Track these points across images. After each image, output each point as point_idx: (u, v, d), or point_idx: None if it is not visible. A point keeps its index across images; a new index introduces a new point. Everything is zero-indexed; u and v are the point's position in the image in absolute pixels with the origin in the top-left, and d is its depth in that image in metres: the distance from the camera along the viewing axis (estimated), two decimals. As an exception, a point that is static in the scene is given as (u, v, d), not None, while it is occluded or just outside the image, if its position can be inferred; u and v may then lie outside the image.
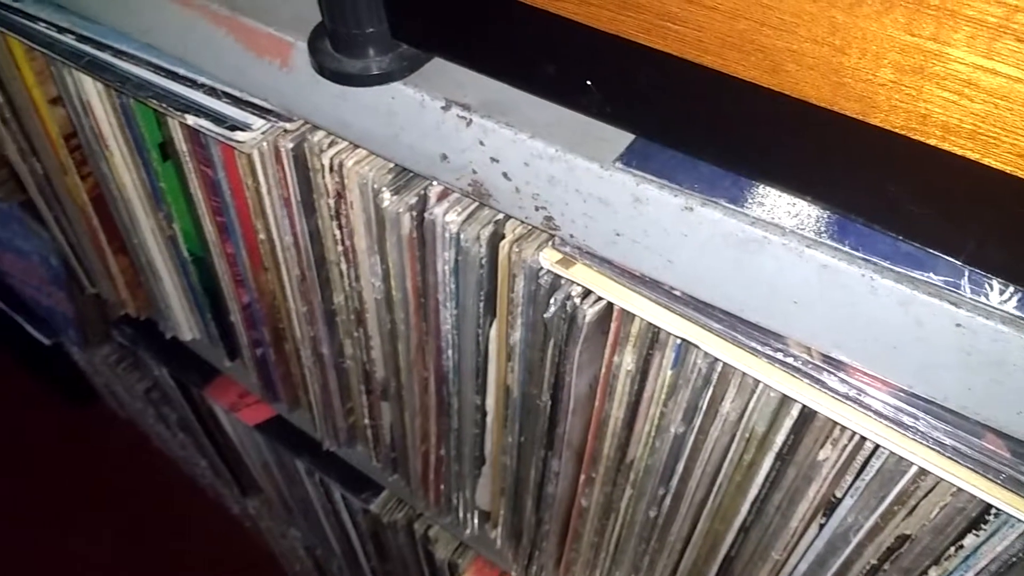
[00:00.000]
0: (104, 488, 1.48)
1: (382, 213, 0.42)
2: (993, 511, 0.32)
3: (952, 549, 0.34)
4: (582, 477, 0.50)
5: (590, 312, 0.37)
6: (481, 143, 0.34)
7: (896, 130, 0.22)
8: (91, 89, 0.54)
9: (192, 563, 1.40)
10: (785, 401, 0.36)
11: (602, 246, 0.34)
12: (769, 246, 0.29)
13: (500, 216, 0.40)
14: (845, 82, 0.22)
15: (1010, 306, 0.26)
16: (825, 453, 0.36)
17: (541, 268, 0.38)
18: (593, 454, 0.47)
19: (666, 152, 0.30)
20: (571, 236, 0.34)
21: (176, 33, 0.43)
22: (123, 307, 0.82)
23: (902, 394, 0.30)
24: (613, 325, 0.38)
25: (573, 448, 0.48)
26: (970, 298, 0.26)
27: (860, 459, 0.35)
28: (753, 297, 0.31)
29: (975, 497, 0.30)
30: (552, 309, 0.38)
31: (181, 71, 0.44)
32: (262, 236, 0.52)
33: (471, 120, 0.34)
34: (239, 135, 0.42)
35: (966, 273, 0.27)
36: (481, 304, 0.43)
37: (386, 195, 0.41)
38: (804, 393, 0.32)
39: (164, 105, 0.44)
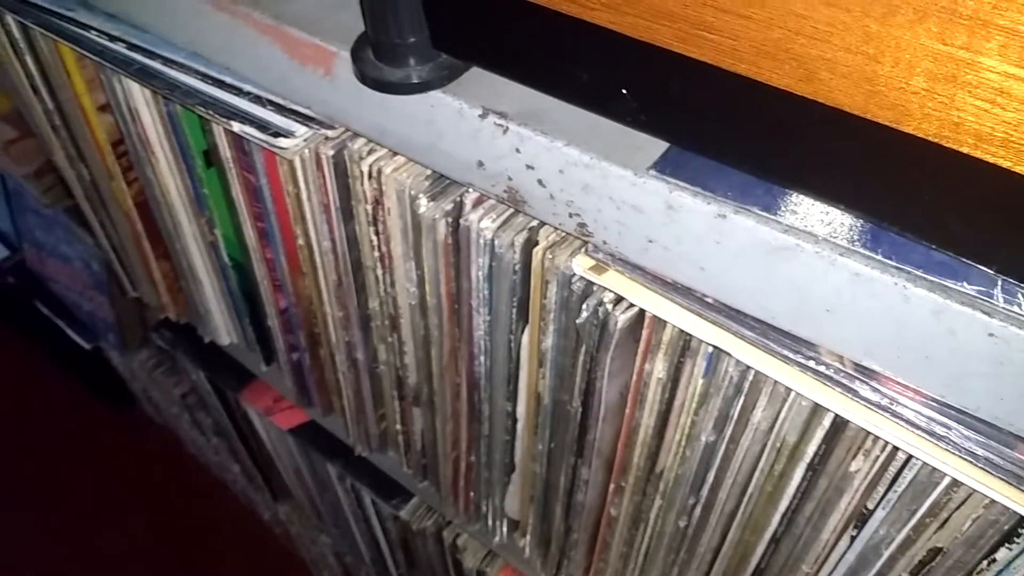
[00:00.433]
0: (138, 492, 1.50)
1: (418, 219, 0.43)
2: (1027, 525, 0.32)
3: (985, 563, 0.34)
4: (611, 486, 0.50)
5: (622, 319, 0.38)
6: (517, 151, 0.35)
7: (929, 138, 0.23)
8: (139, 96, 0.55)
9: (223, 569, 1.42)
10: (817, 411, 0.36)
11: (635, 253, 0.34)
12: (802, 254, 0.29)
13: (534, 223, 0.40)
14: (878, 90, 0.23)
15: (1044, 316, 0.26)
16: (857, 464, 0.36)
17: (574, 274, 0.38)
18: (623, 463, 0.48)
19: (699, 160, 0.31)
20: (604, 243, 0.35)
21: (223, 42, 0.44)
22: (163, 311, 0.84)
23: (934, 404, 0.30)
24: (645, 332, 0.39)
25: (603, 456, 0.48)
26: (1003, 308, 0.26)
27: (892, 470, 0.35)
28: (785, 305, 0.31)
29: (1008, 509, 0.30)
30: (584, 315, 0.39)
31: (227, 79, 0.46)
32: (301, 241, 0.54)
33: (508, 128, 0.34)
34: (282, 141, 0.43)
35: (999, 282, 0.27)
36: (514, 310, 0.44)
37: (423, 201, 0.42)
38: (836, 402, 0.32)
39: (211, 112, 0.45)
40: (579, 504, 0.53)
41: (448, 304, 0.48)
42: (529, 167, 0.35)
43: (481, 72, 0.36)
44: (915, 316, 0.28)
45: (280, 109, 0.44)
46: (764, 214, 0.30)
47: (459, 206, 0.42)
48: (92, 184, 0.73)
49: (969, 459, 0.30)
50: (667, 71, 0.27)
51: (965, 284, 0.27)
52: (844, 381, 0.32)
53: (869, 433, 0.35)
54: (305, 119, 0.44)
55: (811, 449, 0.37)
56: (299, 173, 0.47)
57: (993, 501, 0.31)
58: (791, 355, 0.33)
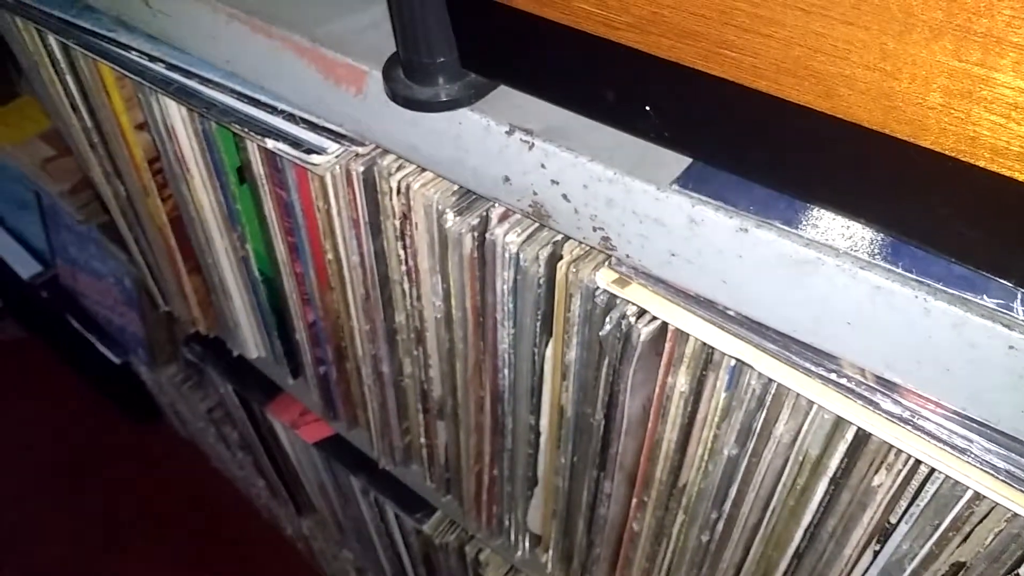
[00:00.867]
0: (162, 506, 1.52)
1: (445, 233, 0.44)
2: (1051, 540, 0.32)
3: (1009, 578, 0.34)
4: (634, 501, 0.51)
5: (644, 331, 0.38)
6: (542, 166, 0.36)
7: (946, 152, 0.23)
8: (176, 115, 0.57)
9: (245, 582, 1.43)
10: (839, 424, 0.36)
11: (657, 266, 0.35)
12: (823, 267, 0.30)
13: (558, 237, 0.41)
14: (896, 106, 0.23)
15: (1064, 328, 0.26)
16: (880, 478, 0.37)
17: (597, 288, 0.39)
18: (645, 477, 0.48)
19: (722, 175, 0.32)
20: (627, 256, 0.36)
21: (260, 62, 0.45)
22: (194, 325, 0.86)
23: (956, 416, 0.31)
24: (667, 345, 0.39)
25: (625, 470, 0.49)
26: (1023, 320, 0.27)
27: (915, 484, 0.35)
28: (807, 318, 0.32)
29: (1031, 522, 0.30)
30: (607, 327, 0.40)
31: (262, 98, 0.47)
32: (330, 256, 0.55)
33: (533, 144, 0.35)
34: (314, 158, 0.44)
35: (1019, 295, 0.27)
36: (538, 323, 0.45)
37: (449, 216, 0.43)
38: (858, 415, 0.33)
39: (246, 130, 0.47)
40: (601, 519, 0.54)
41: (473, 317, 0.48)
42: (554, 182, 0.36)
43: (508, 90, 0.37)
44: (935, 329, 0.28)
45: (312, 127, 0.46)
46: (786, 228, 0.30)
47: (485, 221, 0.43)
48: (128, 200, 0.75)
49: (991, 472, 0.30)
50: (690, 88, 0.28)
51: (985, 297, 0.27)
52: (866, 394, 0.32)
53: (891, 447, 0.35)
54: (337, 136, 0.45)
55: (834, 463, 0.38)
56: (330, 189, 0.48)
57: (1016, 514, 0.31)
58: (813, 368, 0.33)
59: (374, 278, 0.53)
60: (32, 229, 1.48)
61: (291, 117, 0.46)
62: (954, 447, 0.31)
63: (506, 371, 0.50)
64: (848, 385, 0.32)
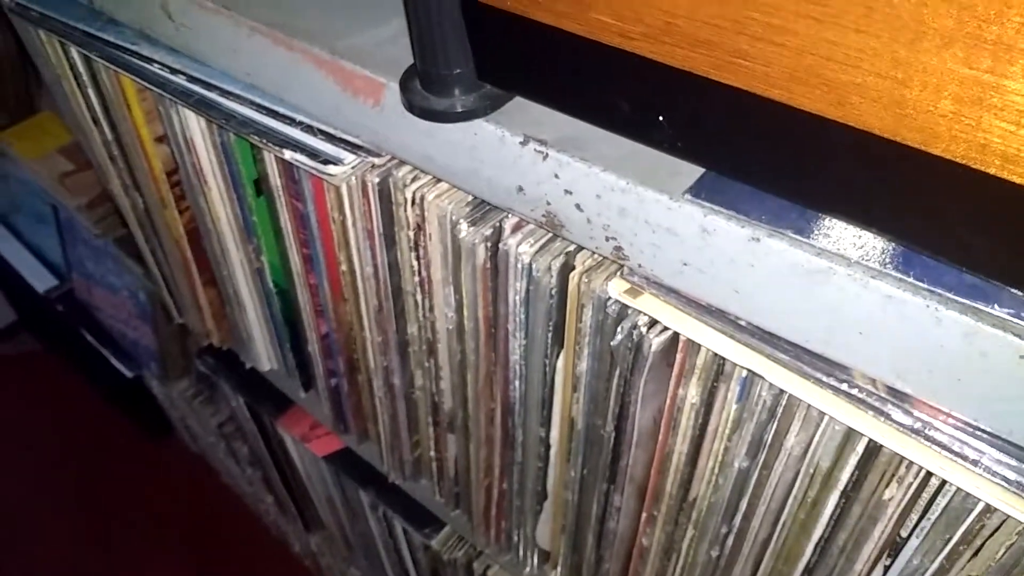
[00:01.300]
0: (171, 521, 1.52)
1: (458, 244, 0.45)
2: (1064, 554, 0.31)
3: (1021, 594, 0.34)
4: (643, 515, 0.51)
5: (656, 341, 0.39)
6: (556, 176, 0.36)
7: (957, 160, 0.24)
8: (195, 127, 0.58)
9: (252, 598, 1.43)
10: (850, 436, 0.36)
11: (669, 276, 0.35)
12: (835, 277, 0.30)
13: (571, 248, 0.42)
14: (907, 114, 0.23)
15: (1076, 338, 0.26)
16: (890, 492, 0.36)
17: (609, 298, 0.39)
18: (655, 491, 0.48)
19: (734, 185, 0.32)
20: (639, 266, 0.36)
21: (279, 75, 0.46)
22: (207, 337, 0.86)
23: (967, 427, 0.31)
24: (679, 356, 0.39)
25: (636, 483, 0.49)
26: (1035, 330, 0.27)
27: (925, 497, 0.35)
28: (818, 327, 0.32)
29: (1043, 534, 0.30)
30: (619, 337, 0.40)
31: (281, 109, 0.48)
32: (344, 267, 0.55)
33: (547, 154, 0.36)
34: (331, 169, 0.45)
35: (1031, 305, 0.27)
36: (549, 334, 0.45)
37: (463, 226, 0.44)
38: (869, 426, 0.33)
39: (264, 141, 0.47)
40: (611, 533, 0.53)
41: (485, 328, 0.49)
42: (568, 192, 0.36)
43: (523, 101, 0.38)
44: (947, 339, 0.29)
45: (330, 138, 0.46)
46: (797, 237, 0.30)
47: (498, 231, 0.43)
48: (145, 212, 0.76)
49: (1002, 483, 0.30)
50: (703, 98, 0.29)
51: (996, 307, 0.27)
52: (877, 404, 0.32)
53: (902, 459, 0.35)
54: (353, 148, 0.46)
55: (845, 476, 0.38)
56: (345, 200, 0.49)
57: (1028, 527, 0.31)
58: (824, 378, 0.33)
59: (387, 289, 0.53)
60: (49, 243, 1.50)
61: (309, 128, 0.47)
62: (965, 458, 0.31)
63: (517, 383, 0.50)
64: (859, 396, 0.33)
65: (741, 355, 0.35)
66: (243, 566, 1.46)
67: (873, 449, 0.36)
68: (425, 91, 0.39)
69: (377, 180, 0.46)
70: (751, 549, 0.46)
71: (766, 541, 0.44)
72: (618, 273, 0.39)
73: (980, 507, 0.33)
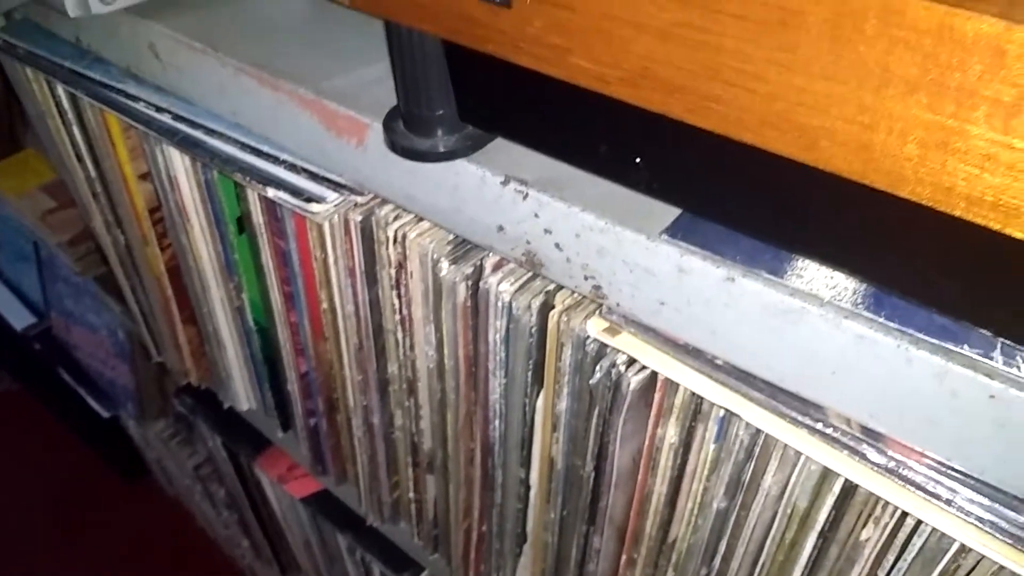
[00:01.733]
0: (145, 565, 1.49)
1: (439, 282, 0.45)
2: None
3: (998, 636, 0.34)
4: (623, 557, 0.50)
5: (634, 380, 0.39)
6: (536, 215, 0.37)
7: (923, 202, 0.24)
8: (179, 165, 0.58)
9: (225, 646, 1.39)
10: (827, 476, 0.37)
11: (647, 315, 0.36)
12: (808, 316, 0.30)
13: (551, 287, 0.42)
14: (874, 157, 0.24)
15: (1043, 378, 0.27)
16: (868, 532, 0.37)
17: (588, 336, 0.39)
18: (635, 532, 0.48)
19: (710, 225, 0.33)
20: (617, 305, 0.36)
21: (265, 114, 0.47)
22: (185, 376, 0.86)
23: (941, 467, 0.31)
24: (657, 396, 0.40)
25: (615, 525, 0.49)
26: (1003, 370, 0.27)
27: (901, 537, 0.35)
28: (793, 367, 0.32)
29: (1016, 574, 0.30)
30: (598, 376, 0.40)
31: (265, 148, 0.49)
32: (325, 306, 0.55)
33: (528, 194, 0.36)
34: (313, 207, 0.45)
35: (999, 345, 0.28)
36: (529, 373, 0.45)
37: (444, 265, 0.44)
38: (844, 465, 0.33)
39: (248, 178, 0.48)
40: (591, 576, 0.53)
41: (465, 367, 0.49)
42: (547, 231, 0.37)
43: (504, 142, 0.38)
44: (918, 378, 0.29)
45: (313, 176, 0.47)
46: (771, 277, 0.31)
47: (479, 270, 0.43)
48: (127, 249, 0.76)
49: (975, 523, 0.30)
50: (678, 141, 0.29)
51: (966, 347, 0.28)
52: (851, 444, 0.33)
53: (879, 499, 0.35)
54: (336, 186, 0.46)
55: (822, 516, 0.38)
56: (327, 238, 0.49)
57: (1002, 567, 0.31)
58: (799, 417, 0.33)
59: (368, 327, 0.53)
60: (28, 281, 1.49)
61: (292, 167, 0.47)
62: (939, 498, 0.31)
63: (497, 422, 0.50)
64: (833, 435, 0.33)
65: (718, 394, 0.35)
66: (217, 612, 1.43)
67: (849, 489, 0.36)
68: (408, 131, 0.39)
69: (359, 218, 0.46)
70: (730, 592, 0.45)
71: (745, 583, 0.44)
72: (597, 312, 0.39)
73: (955, 547, 0.33)
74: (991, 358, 0.28)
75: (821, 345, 0.31)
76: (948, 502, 0.31)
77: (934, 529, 0.33)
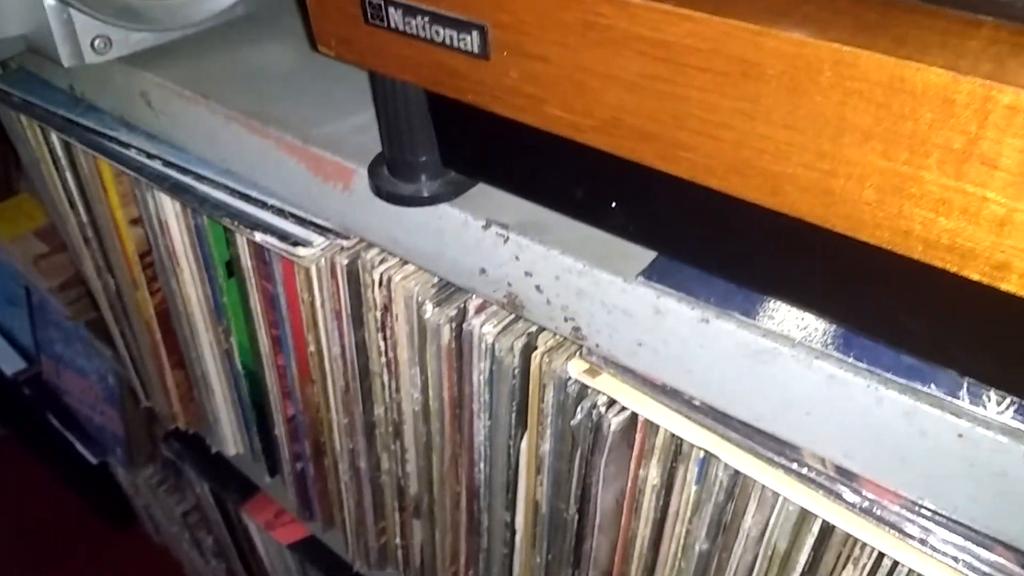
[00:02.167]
0: (131, 613, 1.46)
1: (424, 324, 0.45)
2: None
3: None
4: (609, 602, 0.50)
5: (615, 421, 0.39)
6: (517, 258, 0.37)
7: (884, 245, 0.25)
8: (169, 210, 0.59)
9: None
10: (806, 517, 0.37)
11: (626, 355, 0.36)
12: (780, 357, 0.31)
13: (533, 328, 0.43)
14: (835, 202, 0.25)
15: (1007, 416, 0.27)
16: (848, 573, 0.37)
17: (569, 378, 0.40)
18: (619, 576, 0.48)
19: (686, 267, 0.33)
20: (597, 346, 0.37)
21: (254, 160, 0.48)
22: (173, 420, 0.85)
23: (914, 506, 0.31)
24: (638, 437, 0.40)
25: (600, 569, 0.48)
26: (969, 408, 0.28)
27: (880, 578, 0.35)
28: (767, 407, 0.33)
29: (991, 614, 0.30)
30: (579, 417, 0.40)
31: (254, 193, 0.50)
32: (312, 348, 0.56)
33: (508, 237, 0.37)
34: (300, 250, 0.46)
35: (964, 384, 0.28)
36: (513, 415, 0.45)
37: (428, 307, 0.44)
38: (820, 505, 0.33)
39: (236, 223, 0.49)
40: (576, 622, 0.53)
41: (450, 409, 0.49)
42: (527, 274, 0.37)
43: (486, 187, 0.39)
44: (888, 418, 0.29)
45: (300, 221, 0.48)
46: (744, 318, 0.32)
47: (463, 312, 0.44)
48: (117, 294, 0.77)
49: (950, 563, 0.30)
50: (651, 186, 0.30)
51: (933, 386, 0.29)
52: (827, 484, 0.33)
53: (856, 540, 0.35)
54: (323, 230, 0.47)
55: (802, 557, 0.38)
56: (314, 281, 0.50)
57: (977, 607, 0.31)
58: (776, 458, 0.34)
59: (354, 370, 0.54)
60: (19, 325, 1.49)
61: (280, 212, 0.48)
62: (913, 537, 0.31)
63: (482, 465, 0.50)
64: (809, 475, 0.33)
65: (696, 435, 0.36)
66: (202, 664, 1.40)
67: (827, 529, 0.36)
68: (393, 177, 0.40)
69: (346, 262, 0.47)
70: (715, 636, 0.45)
71: (729, 627, 0.44)
72: (578, 353, 0.39)
73: (932, 587, 0.33)
74: (958, 397, 0.28)
75: (794, 385, 0.31)
76: (922, 541, 0.31)
77: (911, 570, 0.33)
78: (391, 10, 0.32)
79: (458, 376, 0.46)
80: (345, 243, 0.47)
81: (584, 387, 0.40)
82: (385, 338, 0.49)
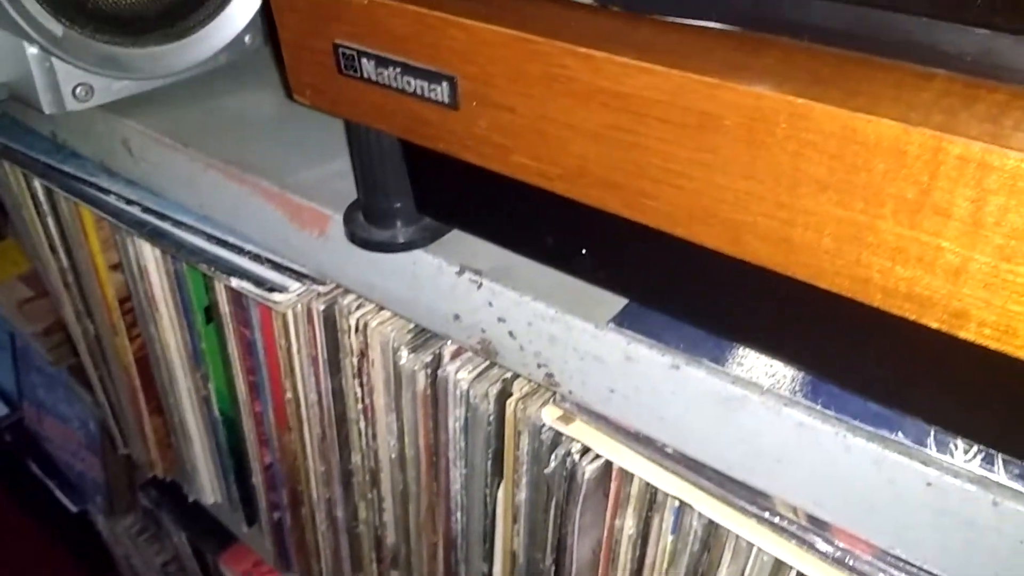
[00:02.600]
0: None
1: (400, 370, 0.45)
2: None
3: None
4: (588, 655, 0.49)
5: (589, 469, 0.39)
6: (490, 304, 0.37)
7: (844, 293, 0.25)
8: (149, 256, 0.59)
9: None
10: (780, 568, 0.36)
11: (598, 402, 0.36)
12: (749, 404, 0.31)
13: (508, 375, 0.42)
14: (794, 250, 0.25)
15: (974, 465, 0.27)
16: (824, 625, 0.36)
17: (543, 424, 0.40)
18: (598, 628, 0.47)
19: (657, 313, 0.33)
20: (570, 392, 0.37)
21: (231, 206, 0.48)
22: (151, 468, 0.84)
23: (885, 556, 0.31)
24: (613, 485, 0.40)
25: (578, 621, 0.48)
26: (937, 457, 0.28)
27: (856, 630, 0.35)
28: (738, 454, 0.33)
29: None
30: (553, 465, 0.40)
31: (231, 239, 0.50)
32: (289, 395, 0.55)
33: (482, 283, 0.37)
34: (276, 296, 0.46)
35: (932, 432, 0.28)
36: (489, 463, 0.45)
37: (404, 353, 0.44)
38: (793, 555, 0.33)
39: (213, 269, 0.49)
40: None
41: (427, 457, 0.49)
42: (501, 320, 0.37)
43: (460, 234, 0.40)
44: (857, 466, 0.29)
45: (277, 267, 0.48)
46: (714, 365, 0.32)
47: (438, 358, 0.44)
48: (96, 339, 0.76)
49: (923, 613, 0.30)
50: (619, 234, 0.31)
51: (900, 434, 0.29)
52: (799, 533, 0.33)
53: (831, 590, 0.35)
54: (299, 276, 0.47)
55: (779, 609, 0.37)
56: (291, 327, 0.50)
57: (952, 659, 0.30)
58: (748, 506, 0.34)
59: (331, 416, 0.53)
60: (3, 371, 1.47)
61: (257, 257, 0.48)
62: (886, 588, 0.31)
63: (459, 514, 0.50)
64: (781, 524, 0.33)
65: (670, 483, 0.36)
66: None
67: (802, 580, 0.36)
68: (368, 223, 0.41)
69: (322, 307, 0.47)
70: None
71: None
72: (552, 400, 0.39)
73: (906, 639, 0.33)
74: (925, 445, 0.28)
75: (764, 432, 0.31)
76: (895, 592, 0.31)
77: (885, 620, 0.33)
78: (364, 61, 0.33)
79: (434, 423, 0.46)
80: (321, 288, 0.47)
81: (558, 434, 0.40)
82: (362, 384, 0.49)
